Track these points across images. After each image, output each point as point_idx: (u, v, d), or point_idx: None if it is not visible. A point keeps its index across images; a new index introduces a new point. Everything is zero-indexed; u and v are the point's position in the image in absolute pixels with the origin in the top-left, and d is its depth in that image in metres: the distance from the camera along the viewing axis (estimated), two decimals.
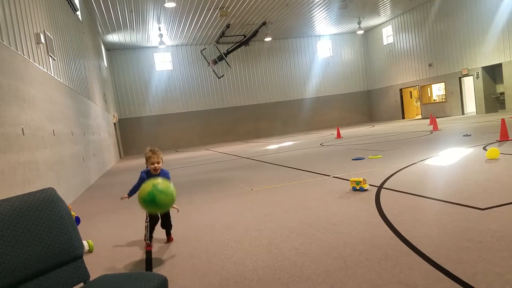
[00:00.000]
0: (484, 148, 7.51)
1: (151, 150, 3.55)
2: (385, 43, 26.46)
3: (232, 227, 4.17)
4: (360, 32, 24.97)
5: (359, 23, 23.79)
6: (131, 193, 3.70)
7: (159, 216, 3.75)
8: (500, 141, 8.24)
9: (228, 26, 21.45)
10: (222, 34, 22.95)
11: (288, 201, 5.10)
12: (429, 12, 22.05)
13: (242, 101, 26.44)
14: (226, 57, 23.14)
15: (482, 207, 3.69)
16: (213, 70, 23.89)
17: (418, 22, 23.06)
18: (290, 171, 7.82)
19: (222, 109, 25.97)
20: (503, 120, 8.53)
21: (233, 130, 26.07)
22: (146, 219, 3.71)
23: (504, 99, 18.56)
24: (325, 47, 28.14)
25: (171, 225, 3.88)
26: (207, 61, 23.35)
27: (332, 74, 28.17)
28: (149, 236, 3.67)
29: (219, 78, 24.51)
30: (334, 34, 27.82)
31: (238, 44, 23.16)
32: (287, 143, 16.55)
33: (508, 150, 6.85)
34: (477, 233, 3.07)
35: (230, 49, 23.19)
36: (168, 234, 3.92)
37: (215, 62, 23.10)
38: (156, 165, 3.56)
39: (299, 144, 15.10)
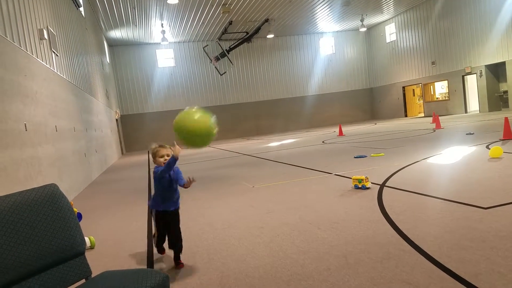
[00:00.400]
0: (487, 147, 7.48)
1: (159, 145, 3.20)
2: (388, 40, 26.35)
3: (233, 225, 4.17)
4: (363, 29, 24.86)
5: (362, 20, 23.69)
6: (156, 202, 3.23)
7: (165, 233, 3.26)
8: (503, 139, 8.21)
9: (230, 23, 21.40)
10: (225, 31, 22.90)
11: (289, 199, 5.10)
12: (432, 9, 21.93)
13: (244, 98, 26.40)
14: (229, 54, 23.09)
15: (485, 206, 3.68)
16: (215, 67, 23.86)
17: (421, 20, 22.95)
18: (291, 169, 7.81)
19: (224, 106, 25.95)
20: (506, 118, 8.49)
21: (234, 127, 26.04)
22: (154, 234, 3.36)
23: (508, 97, 18.48)
24: (327, 44, 28.05)
25: (181, 245, 3.18)
26: (209, 58, 23.31)
27: (334, 71, 28.09)
28: (158, 245, 3.36)
29: (221, 75, 24.48)
30: (336, 31, 27.71)
31: (240, 41, 23.11)
32: (288, 140, 16.53)
33: (510, 149, 6.82)
34: (480, 232, 3.06)
35: (233, 46, 23.14)
36: (177, 257, 3.18)
37: (217, 59, 23.06)
38: (166, 157, 3.12)
39: (301, 141, 15.08)
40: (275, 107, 26.87)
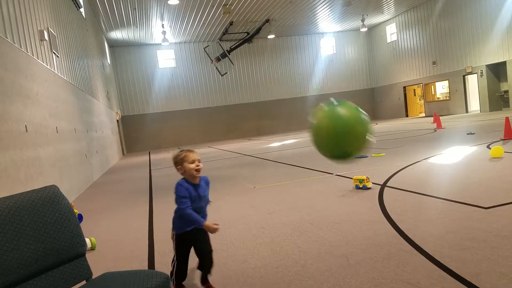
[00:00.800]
0: (488, 147, 7.46)
1: (185, 150, 2.58)
2: (388, 40, 26.34)
3: (234, 225, 4.17)
4: (364, 29, 24.86)
5: (362, 20, 23.69)
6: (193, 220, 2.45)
7: (189, 250, 2.64)
8: (504, 139, 8.20)
9: (231, 23, 21.41)
10: (225, 32, 22.92)
11: (290, 199, 5.09)
12: (433, 9, 21.92)
13: (245, 98, 26.42)
14: (229, 54, 23.11)
15: (486, 206, 3.67)
16: (216, 68, 23.88)
17: (422, 20, 22.93)
18: (292, 169, 7.81)
19: (225, 107, 25.97)
20: (507, 118, 8.48)
21: (236, 128, 26.07)
22: (174, 258, 2.65)
23: (508, 97, 18.45)
24: (328, 45, 28.05)
25: (211, 263, 2.66)
26: (210, 58, 23.33)
27: (335, 71, 28.09)
28: (176, 283, 2.63)
29: (222, 75, 24.50)
30: (337, 32, 27.71)
31: (241, 41, 23.13)
32: (290, 140, 16.53)
33: (510, 149, 6.81)
34: (481, 232, 3.06)
35: (233, 46, 23.16)
36: (205, 279, 2.67)
37: (218, 59, 23.09)
38: (198, 163, 2.50)
39: (302, 141, 15.08)
40: (277, 108, 26.88)
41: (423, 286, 2.31)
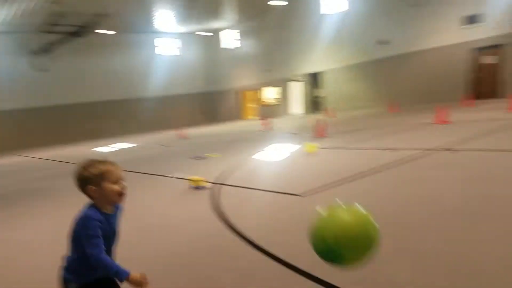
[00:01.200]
0: (304, 144, 8.62)
1: (103, 162, 1.77)
2: (230, 46, 27.94)
3: (51, 250, 3.68)
4: (206, 33, 25.59)
5: (206, 25, 24.41)
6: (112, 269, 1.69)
7: None
8: (316, 137, 9.63)
9: (59, 14, 18.83)
10: (52, 23, 20.04)
11: (126, 207, 4.81)
12: (269, 21, 24.32)
13: (75, 98, 23.65)
14: (55, 48, 20.43)
15: (302, 194, 4.22)
16: (38, 63, 20.81)
17: (260, 29, 25.22)
18: (128, 175, 7.42)
19: (49, 107, 22.75)
20: (320, 120, 9.98)
21: (64, 131, 23.11)
22: None
23: (323, 101, 22.14)
24: (170, 46, 27.75)
25: None
26: (32, 52, 20.14)
27: (176, 73, 27.92)
28: None
29: (43, 72, 21.40)
30: (180, 33, 27.53)
31: (70, 34, 20.68)
32: (127, 144, 15.70)
33: (323, 145, 8.04)
34: (297, 217, 3.50)
35: (60, 39, 20.58)
36: None
37: (41, 53, 20.16)
38: (123, 183, 1.81)
39: (141, 145, 14.54)
40: (113, 109, 25.04)
41: (250, 272, 2.49)
